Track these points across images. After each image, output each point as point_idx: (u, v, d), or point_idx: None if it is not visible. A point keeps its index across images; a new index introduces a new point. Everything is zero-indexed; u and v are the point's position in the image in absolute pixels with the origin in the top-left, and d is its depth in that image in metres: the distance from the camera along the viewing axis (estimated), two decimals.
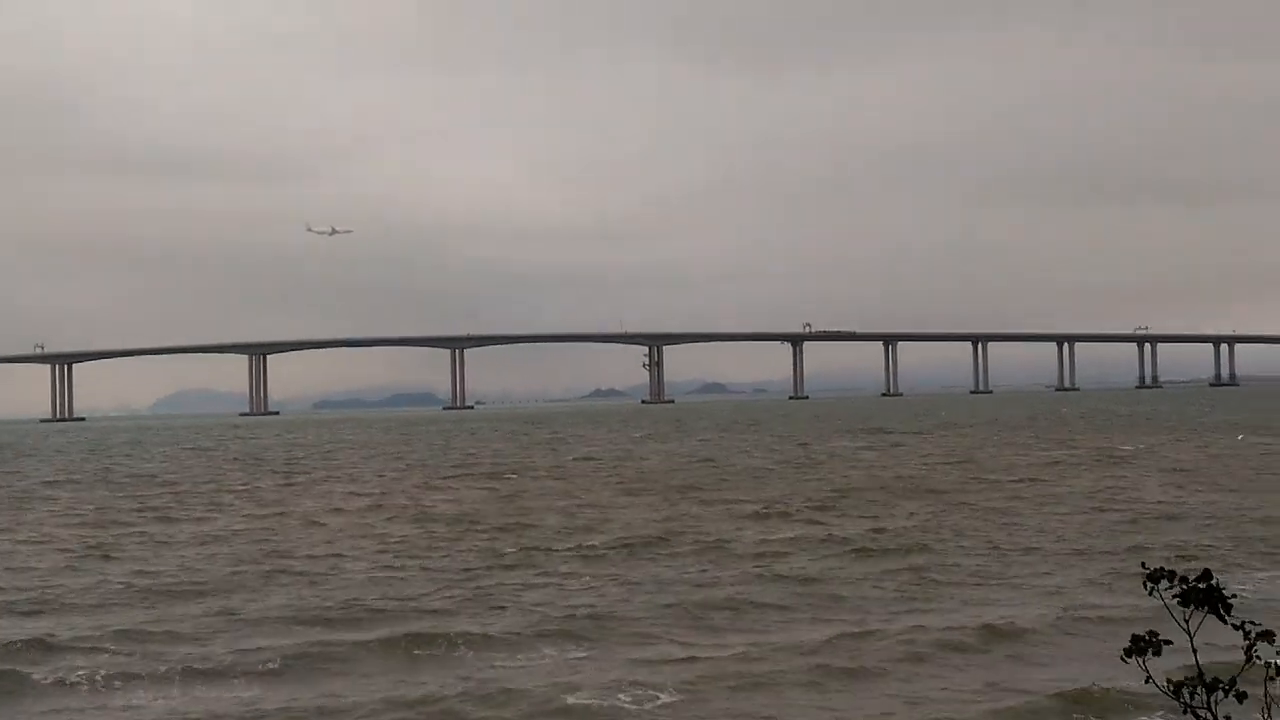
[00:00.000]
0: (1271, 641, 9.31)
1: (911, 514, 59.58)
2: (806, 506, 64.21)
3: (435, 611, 36.19)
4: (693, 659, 29.71)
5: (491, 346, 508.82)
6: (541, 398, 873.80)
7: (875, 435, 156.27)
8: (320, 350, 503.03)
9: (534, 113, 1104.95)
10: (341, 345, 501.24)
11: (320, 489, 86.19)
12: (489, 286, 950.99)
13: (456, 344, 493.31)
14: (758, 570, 42.91)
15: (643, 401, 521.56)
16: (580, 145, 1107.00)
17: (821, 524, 56.44)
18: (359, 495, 79.24)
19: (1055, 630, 32.36)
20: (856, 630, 32.73)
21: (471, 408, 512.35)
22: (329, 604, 37.62)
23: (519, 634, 32.66)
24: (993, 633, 31.93)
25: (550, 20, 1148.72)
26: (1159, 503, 62.17)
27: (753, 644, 31.35)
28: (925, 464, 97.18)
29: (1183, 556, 42.04)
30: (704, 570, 43.28)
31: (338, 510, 68.89)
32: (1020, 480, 77.79)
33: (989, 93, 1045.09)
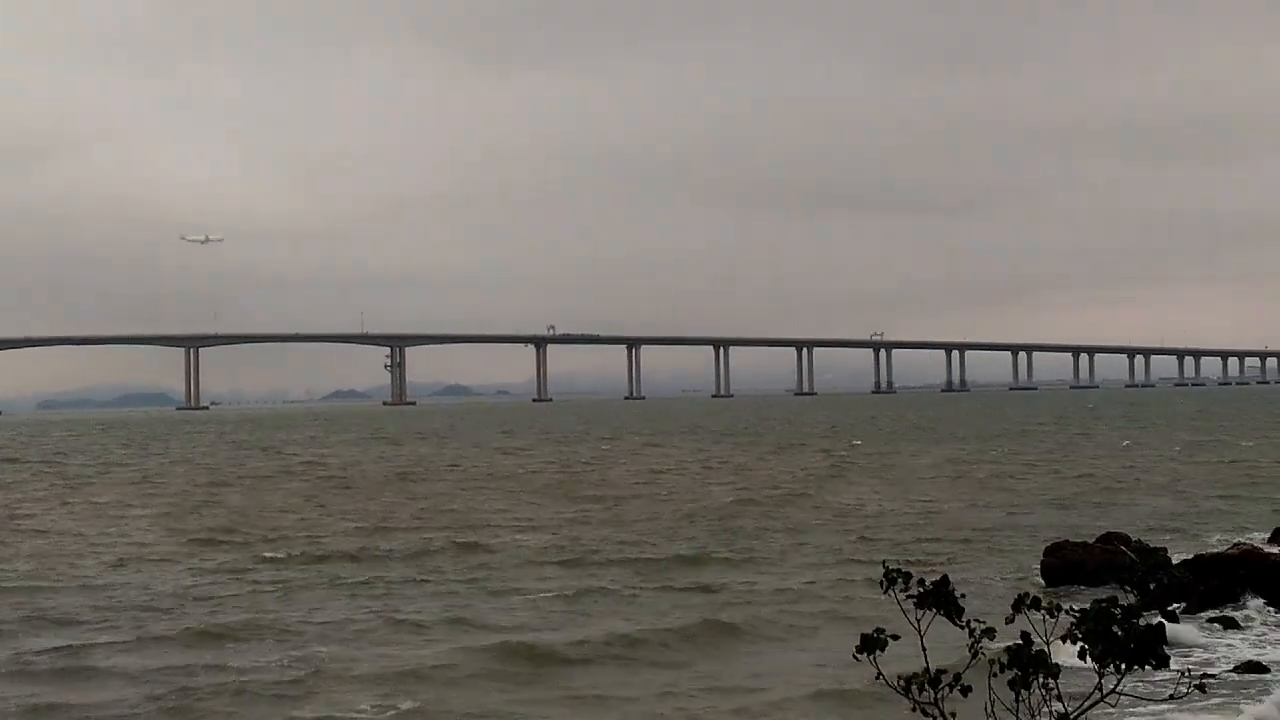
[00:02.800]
0: (994, 638, 9.68)
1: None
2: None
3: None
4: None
5: (229, 346, 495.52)
6: (281, 399, 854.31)
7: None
8: (48, 348, 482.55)
9: (267, 110, 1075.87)
10: (69, 343, 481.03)
11: None
12: (228, 286, 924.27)
13: (191, 343, 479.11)
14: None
15: (384, 403, 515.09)
16: (315, 144, 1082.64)
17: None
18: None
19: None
20: None
21: (206, 408, 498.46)
22: None
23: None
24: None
25: (282, 14, 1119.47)
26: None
27: None
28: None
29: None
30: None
31: None
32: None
33: (721, 102, 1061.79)
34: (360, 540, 53.01)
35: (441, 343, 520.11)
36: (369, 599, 38.45)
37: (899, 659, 9.85)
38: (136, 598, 39.23)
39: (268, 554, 48.60)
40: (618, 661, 30.30)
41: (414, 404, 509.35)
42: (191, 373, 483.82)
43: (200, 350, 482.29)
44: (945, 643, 10.37)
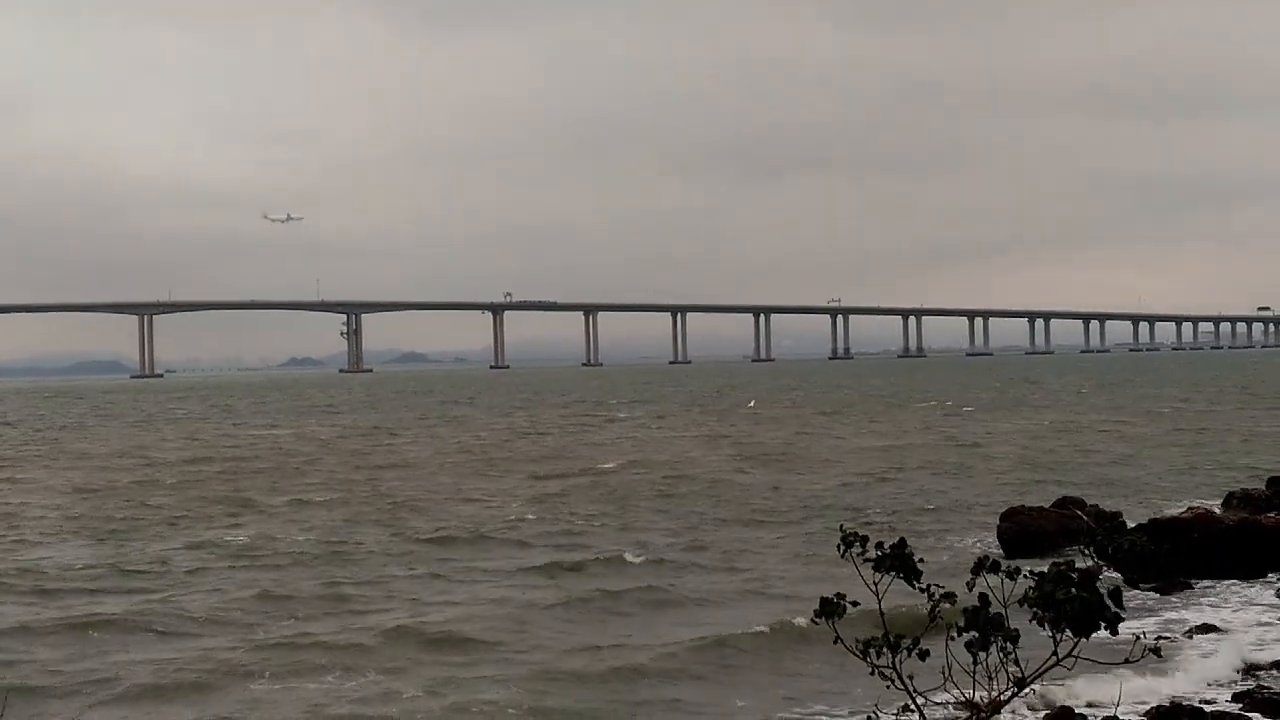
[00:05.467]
0: (953, 603, 9.68)
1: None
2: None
3: None
4: None
5: (184, 314, 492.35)
6: (236, 366, 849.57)
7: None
8: None
9: (211, 73, 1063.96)
10: (19, 310, 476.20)
11: None
12: (182, 252, 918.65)
13: (144, 310, 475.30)
14: None
15: (341, 371, 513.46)
16: (267, 110, 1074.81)
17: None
18: None
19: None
20: None
21: (160, 376, 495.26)
22: None
23: None
24: None
25: None
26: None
27: None
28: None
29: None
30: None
31: None
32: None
33: (677, 65, 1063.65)
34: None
35: (398, 310, 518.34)
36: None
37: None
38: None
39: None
40: None
41: (370, 371, 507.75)
42: (145, 341, 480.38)
43: (154, 318, 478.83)
44: (906, 607, 10.36)
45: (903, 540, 9.98)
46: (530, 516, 48.45)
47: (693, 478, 62.06)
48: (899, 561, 9.83)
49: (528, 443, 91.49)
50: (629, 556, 38.97)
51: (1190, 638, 27.63)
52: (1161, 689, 23.32)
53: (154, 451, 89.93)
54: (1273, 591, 31.79)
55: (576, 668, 26.21)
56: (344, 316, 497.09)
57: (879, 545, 9.90)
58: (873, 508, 49.89)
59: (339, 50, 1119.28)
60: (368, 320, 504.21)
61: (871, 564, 9.84)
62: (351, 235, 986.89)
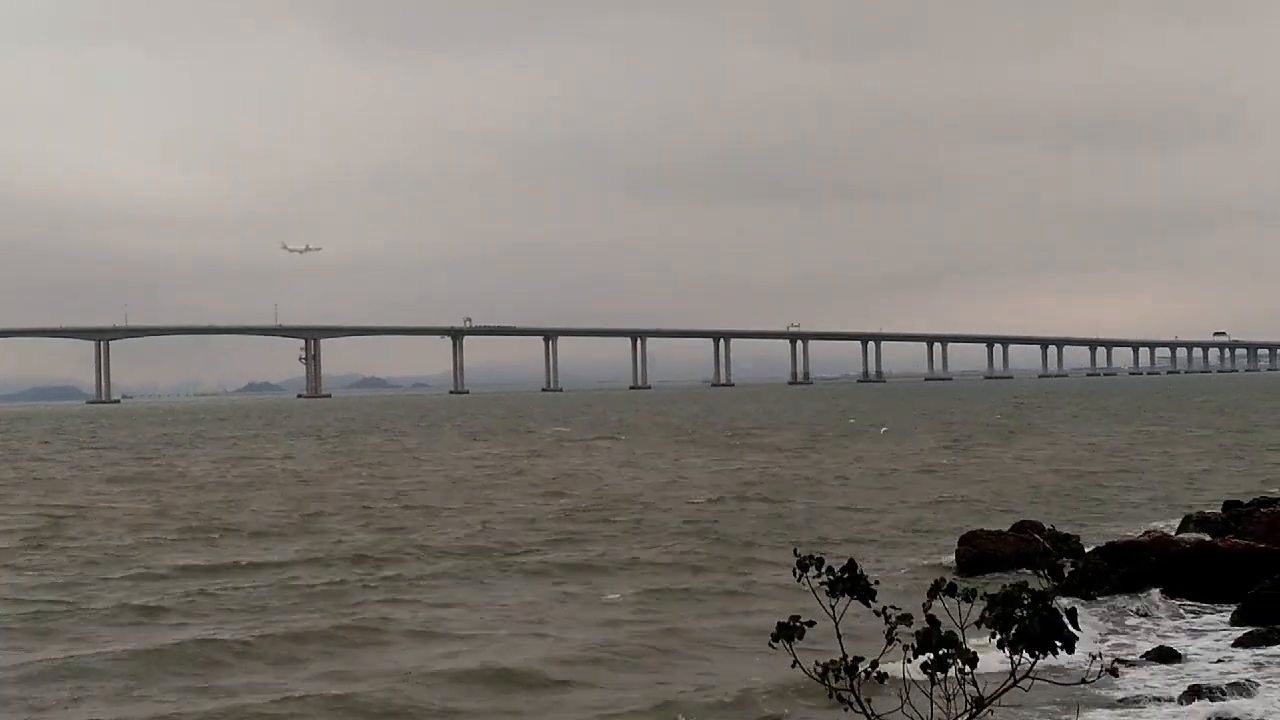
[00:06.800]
0: (910, 624, 9.73)
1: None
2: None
3: None
4: None
5: (141, 338, 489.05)
6: (193, 391, 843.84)
7: None
8: None
9: (168, 94, 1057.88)
10: None
11: None
12: (138, 275, 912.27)
13: (101, 335, 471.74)
14: None
15: (299, 396, 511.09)
16: (225, 131, 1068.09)
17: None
18: None
19: None
20: None
21: (118, 402, 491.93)
22: None
23: None
24: None
25: None
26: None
27: None
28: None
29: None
30: None
31: None
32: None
33: (642, 91, 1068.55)
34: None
35: (357, 334, 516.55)
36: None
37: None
38: None
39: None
40: None
41: (329, 396, 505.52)
42: (102, 365, 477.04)
43: (110, 342, 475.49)
44: (865, 631, 10.40)
45: (853, 562, 10.02)
46: (495, 548, 47.86)
47: (665, 507, 61.46)
48: (852, 584, 9.87)
49: (495, 466, 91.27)
50: (608, 595, 38.16)
51: (1146, 661, 27.81)
52: (1116, 713, 23.46)
53: (141, 477, 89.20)
54: (1227, 616, 32.02)
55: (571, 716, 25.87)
56: (302, 341, 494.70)
57: (831, 569, 9.95)
58: (838, 532, 49.94)
59: (300, 74, 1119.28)
60: (326, 345, 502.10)
61: (826, 587, 9.89)
62: (311, 259, 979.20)
